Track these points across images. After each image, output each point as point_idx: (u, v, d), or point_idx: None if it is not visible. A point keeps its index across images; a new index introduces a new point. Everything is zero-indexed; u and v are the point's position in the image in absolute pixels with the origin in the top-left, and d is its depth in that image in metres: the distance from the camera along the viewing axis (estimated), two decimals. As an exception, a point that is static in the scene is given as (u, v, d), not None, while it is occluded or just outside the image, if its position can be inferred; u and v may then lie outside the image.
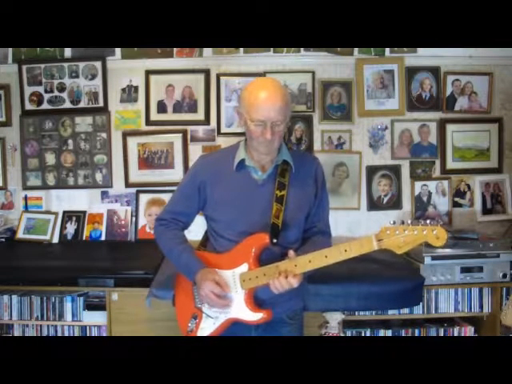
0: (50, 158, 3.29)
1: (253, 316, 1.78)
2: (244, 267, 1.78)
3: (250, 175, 1.84)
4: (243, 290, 1.79)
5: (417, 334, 2.70)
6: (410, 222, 1.56)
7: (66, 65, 3.23)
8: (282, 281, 1.67)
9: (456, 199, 3.26)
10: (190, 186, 1.91)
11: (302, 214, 1.87)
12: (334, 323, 2.50)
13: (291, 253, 1.72)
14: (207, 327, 1.85)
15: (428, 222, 1.54)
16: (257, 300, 1.80)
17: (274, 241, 1.76)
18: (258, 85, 1.79)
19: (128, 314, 2.55)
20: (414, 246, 1.56)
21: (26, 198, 3.29)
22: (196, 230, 2.10)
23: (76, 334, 2.71)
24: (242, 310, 1.79)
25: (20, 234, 3.21)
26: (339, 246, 1.65)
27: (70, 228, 3.23)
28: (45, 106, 3.26)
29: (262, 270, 1.75)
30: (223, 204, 1.84)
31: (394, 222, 1.58)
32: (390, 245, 1.57)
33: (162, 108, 3.25)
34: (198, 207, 1.92)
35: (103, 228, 3.21)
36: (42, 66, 3.23)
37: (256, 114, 1.72)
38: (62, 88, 3.25)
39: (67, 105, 3.26)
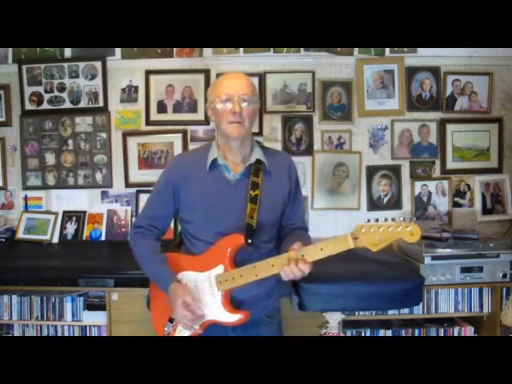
0: (50, 158, 3.29)
1: (230, 317, 1.76)
2: (220, 269, 1.77)
3: (222, 175, 1.83)
4: (220, 292, 1.77)
5: (417, 334, 2.70)
6: (384, 219, 1.57)
7: (65, 65, 3.24)
8: (293, 267, 1.63)
9: (456, 199, 3.26)
10: (164, 187, 1.89)
11: (276, 213, 1.86)
12: (333, 323, 2.50)
13: (298, 244, 1.69)
14: (185, 330, 1.83)
15: (402, 219, 1.54)
16: (234, 301, 1.79)
17: (249, 241, 1.75)
18: (224, 74, 1.91)
19: (128, 313, 2.55)
20: (389, 243, 1.56)
21: (26, 198, 3.29)
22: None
23: (76, 334, 2.71)
24: (219, 312, 1.77)
25: (20, 234, 3.21)
26: (316, 245, 1.64)
27: (70, 228, 3.23)
28: (45, 106, 3.26)
29: (239, 272, 1.73)
30: (196, 205, 1.83)
31: (369, 220, 1.58)
32: (366, 242, 1.56)
33: (162, 108, 3.25)
34: (174, 209, 1.89)
35: (103, 228, 3.21)
36: (42, 66, 3.23)
37: (223, 89, 1.78)
38: (62, 88, 3.25)
39: (67, 105, 3.26)
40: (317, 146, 3.24)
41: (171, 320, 1.86)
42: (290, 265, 1.63)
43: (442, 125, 3.24)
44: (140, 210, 3.17)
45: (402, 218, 1.54)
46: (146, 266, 1.90)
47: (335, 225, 3.11)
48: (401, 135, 3.24)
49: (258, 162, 1.84)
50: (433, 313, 2.68)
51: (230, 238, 1.76)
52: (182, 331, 1.84)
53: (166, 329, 1.86)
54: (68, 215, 3.26)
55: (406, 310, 2.64)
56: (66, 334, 2.72)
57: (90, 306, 2.67)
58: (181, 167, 1.89)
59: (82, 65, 3.23)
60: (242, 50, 3.19)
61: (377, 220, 1.57)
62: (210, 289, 1.78)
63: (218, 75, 3.19)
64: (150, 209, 1.94)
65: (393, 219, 1.55)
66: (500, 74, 3.24)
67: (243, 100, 1.76)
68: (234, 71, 2.01)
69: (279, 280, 1.74)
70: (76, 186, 3.29)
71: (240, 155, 1.84)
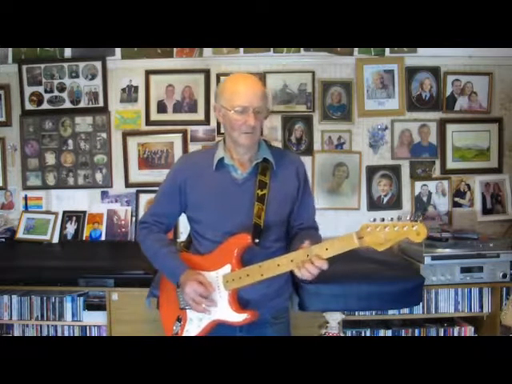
0: (50, 158, 3.29)
1: (237, 317, 1.76)
2: (227, 268, 1.76)
3: (229, 175, 1.82)
4: (227, 291, 1.77)
5: (417, 334, 2.70)
6: (390, 218, 1.54)
7: (65, 65, 3.24)
8: (309, 267, 1.60)
9: (456, 199, 3.26)
10: (170, 186, 1.89)
11: (284, 212, 1.86)
12: (333, 323, 2.50)
13: (307, 243, 1.66)
14: (192, 329, 1.84)
15: (408, 218, 1.52)
16: (241, 301, 1.79)
17: (256, 241, 1.74)
18: (236, 76, 1.84)
19: (128, 313, 2.55)
20: (395, 243, 1.54)
21: (26, 198, 3.29)
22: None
23: (76, 334, 2.71)
24: (226, 312, 1.77)
25: (20, 234, 3.21)
26: (322, 245, 1.62)
27: (70, 228, 3.23)
28: (45, 106, 3.26)
29: (245, 271, 1.73)
30: (204, 205, 1.82)
31: (375, 220, 1.56)
32: (372, 242, 1.54)
33: (162, 108, 3.25)
34: (180, 208, 1.90)
35: (103, 228, 3.21)
36: (42, 66, 3.23)
37: (238, 101, 1.72)
38: (62, 88, 3.25)
39: (67, 105, 3.26)
40: (317, 145, 3.24)
41: (179, 319, 1.86)
42: (306, 265, 1.60)
43: (442, 125, 3.24)
44: (140, 210, 3.23)
45: (408, 217, 1.52)
46: (156, 259, 1.89)
47: (335, 225, 3.11)
48: (401, 135, 3.24)
49: (265, 160, 1.83)
50: (433, 313, 2.68)
51: (237, 237, 1.75)
52: (189, 331, 1.84)
53: (174, 328, 1.87)
54: (68, 215, 3.26)
55: (406, 310, 2.64)
56: (66, 334, 2.72)
57: (89, 306, 2.67)
58: (187, 166, 1.89)
59: (81, 65, 3.23)
60: (242, 49, 3.20)
61: (382, 219, 1.55)
62: (217, 288, 1.78)
63: (218, 75, 3.20)
64: (156, 207, 1.94)
65: (399, 218, 1.53)
66: (500, 74, 3.24)
67: (258, 112, 1.74)
68: (244, 74, 1.89)
69: (288, 279, 1.72)
70: (76, 186, 3.29)
71: (247, 155, 1.83)
